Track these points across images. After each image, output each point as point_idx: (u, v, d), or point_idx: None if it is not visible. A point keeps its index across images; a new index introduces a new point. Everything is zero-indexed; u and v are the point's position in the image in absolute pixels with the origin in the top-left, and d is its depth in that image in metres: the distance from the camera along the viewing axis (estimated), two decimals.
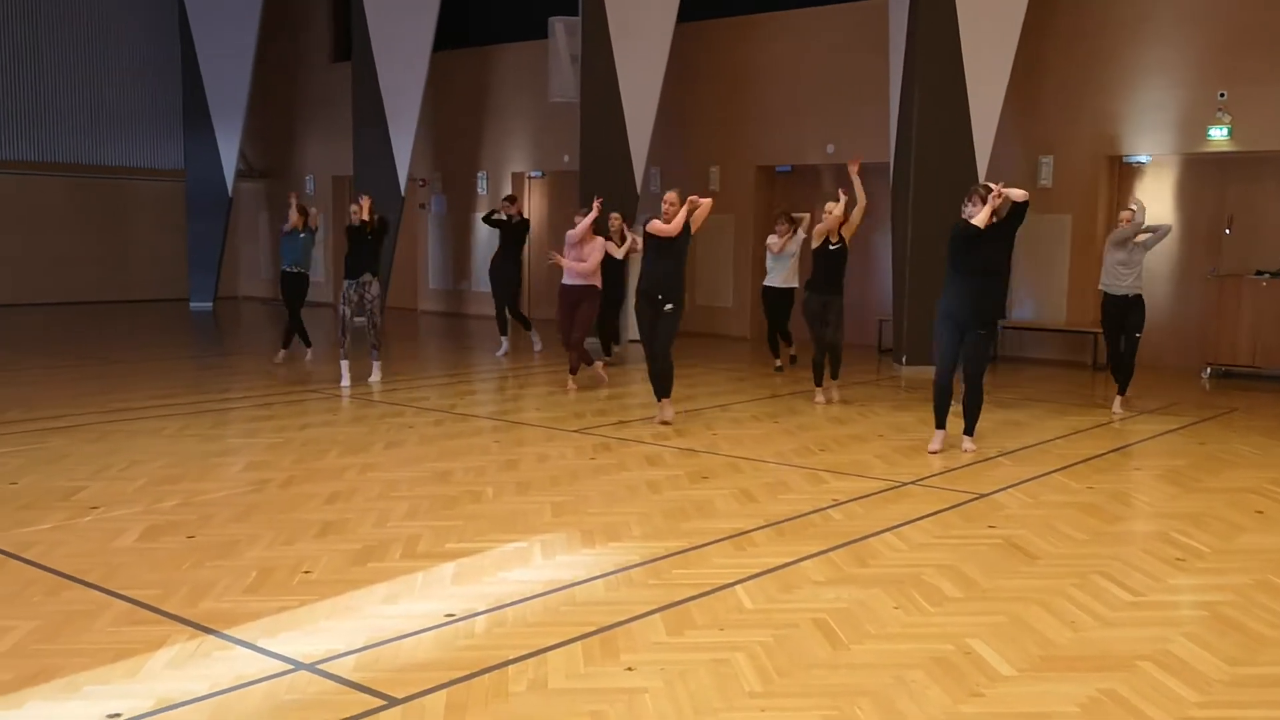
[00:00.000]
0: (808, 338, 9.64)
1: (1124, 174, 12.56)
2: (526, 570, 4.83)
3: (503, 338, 12.42)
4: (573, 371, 10.07)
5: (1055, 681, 3.68)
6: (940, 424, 7.47)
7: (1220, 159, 11.86)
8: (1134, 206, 8.87)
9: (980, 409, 7.50)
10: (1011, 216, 7.26)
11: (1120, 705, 3.50)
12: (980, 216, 7.07)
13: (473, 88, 17.61)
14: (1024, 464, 7.16)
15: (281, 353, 11.41)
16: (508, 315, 12.29)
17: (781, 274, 11.20)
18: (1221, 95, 11.42)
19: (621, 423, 8.37)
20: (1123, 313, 8.92)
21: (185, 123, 19.17)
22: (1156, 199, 12.43)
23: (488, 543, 5.21)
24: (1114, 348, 9.18)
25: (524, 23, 16.36)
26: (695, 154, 15.21)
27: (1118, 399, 9.20)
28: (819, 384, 9.52)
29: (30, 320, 16.18)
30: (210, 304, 18.84)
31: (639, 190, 14.05)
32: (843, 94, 13.85)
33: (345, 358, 10.02)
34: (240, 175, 19.25)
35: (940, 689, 3.60)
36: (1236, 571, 4.93)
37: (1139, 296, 8.91)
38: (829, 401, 9.38)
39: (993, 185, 7.18)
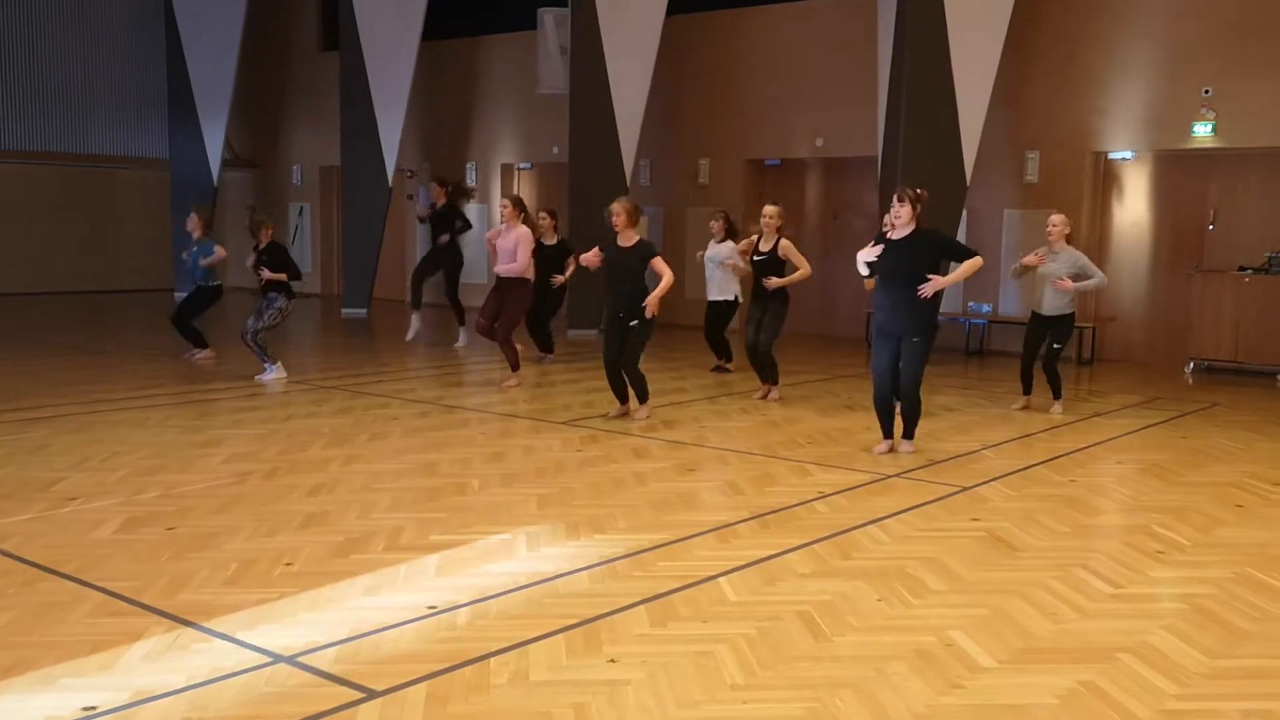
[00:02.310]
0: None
1: (1109, 170, 12.60)
2: (510, 562, 4.82)
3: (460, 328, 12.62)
4: (514, 369, 9.86)
5: (1035, 673, 3.69)
6: (886, 433, 7.29)
7: (1205, 155, 11.89)
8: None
9: (917, 417, 7.17)
10: (943, 250, 7.01)
11: (1099, 697, 3.51)
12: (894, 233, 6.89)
13: (462, 78, 17.53)
14: (1007, 457, 7.18)
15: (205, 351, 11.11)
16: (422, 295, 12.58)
17: (713, 283, 10.26)
18: (1206, 92, 11.45)
19: (609, 415, 8.35)
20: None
21: (170, 111, 19.03)
22: (1140, 195, 12.48)
23: (472, 535, 5.20)
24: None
25: (513, 13, 16.30)
26: (685, 147, 15.19)
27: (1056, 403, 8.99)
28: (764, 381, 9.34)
29: (13, 309, 16.07)
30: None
31: (628, 182, 14.03)
32: (831, 88, 13.85)
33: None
34: (226, 164, 19.12)
35: (921, 681, 3.61)
36: (1216, 565, 4.96)
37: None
38: (765, 398, 9.12)
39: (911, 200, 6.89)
